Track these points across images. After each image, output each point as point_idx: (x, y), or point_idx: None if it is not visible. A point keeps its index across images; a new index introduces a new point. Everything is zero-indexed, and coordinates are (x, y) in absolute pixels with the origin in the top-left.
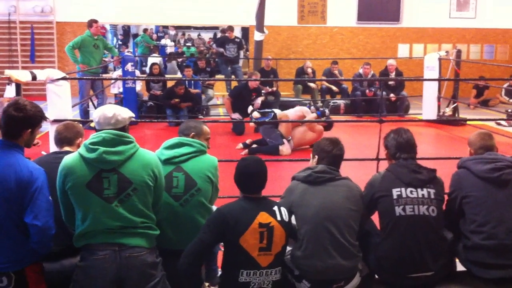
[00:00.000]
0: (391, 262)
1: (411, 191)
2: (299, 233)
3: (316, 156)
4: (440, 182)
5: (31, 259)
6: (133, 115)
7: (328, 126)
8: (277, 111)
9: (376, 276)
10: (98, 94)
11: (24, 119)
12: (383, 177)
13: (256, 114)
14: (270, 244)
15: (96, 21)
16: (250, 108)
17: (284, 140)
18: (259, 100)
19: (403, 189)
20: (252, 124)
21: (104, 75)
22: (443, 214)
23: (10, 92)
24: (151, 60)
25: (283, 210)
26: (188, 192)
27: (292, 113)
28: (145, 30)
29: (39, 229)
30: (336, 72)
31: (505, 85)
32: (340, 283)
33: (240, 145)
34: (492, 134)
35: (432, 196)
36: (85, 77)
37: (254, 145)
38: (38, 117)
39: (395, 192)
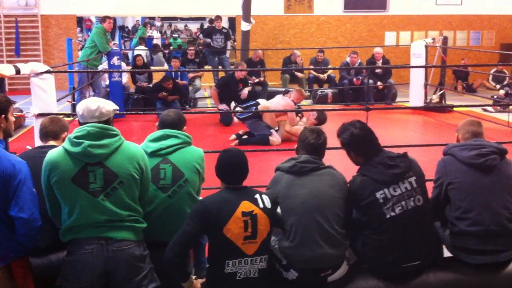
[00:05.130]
0: (381, 255)
1: (394, 189)
2: (286, 224)
3: (296, 145)
4: (414, 162)
5: (18, 253)
6: (118, 108)
7: (320, 122)
8: (261, 101)
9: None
10: (95, 87)
11: None
12: (361, 183)
13: (238, 110)
14: (255, 232)
15: (110, 18)
16: (233, 105)
17: (272, 131)
18: (246, 91)
19: (386, 190)
20: (236, 119)
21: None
22: (428, 198)
23: None
24: (136, 52)
25: (265, 197)
26: (176, 183)
27: (274, 103)
28: (145, 25)
29: (25, 221)
30: (321, 60)
31: (492, 71)
32: (328, 271)
33: (233, 136)
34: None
35: (415, 185)
36: (69, 71)
37: (245, 136)
38: (3, 102)
39: (380, 195)
